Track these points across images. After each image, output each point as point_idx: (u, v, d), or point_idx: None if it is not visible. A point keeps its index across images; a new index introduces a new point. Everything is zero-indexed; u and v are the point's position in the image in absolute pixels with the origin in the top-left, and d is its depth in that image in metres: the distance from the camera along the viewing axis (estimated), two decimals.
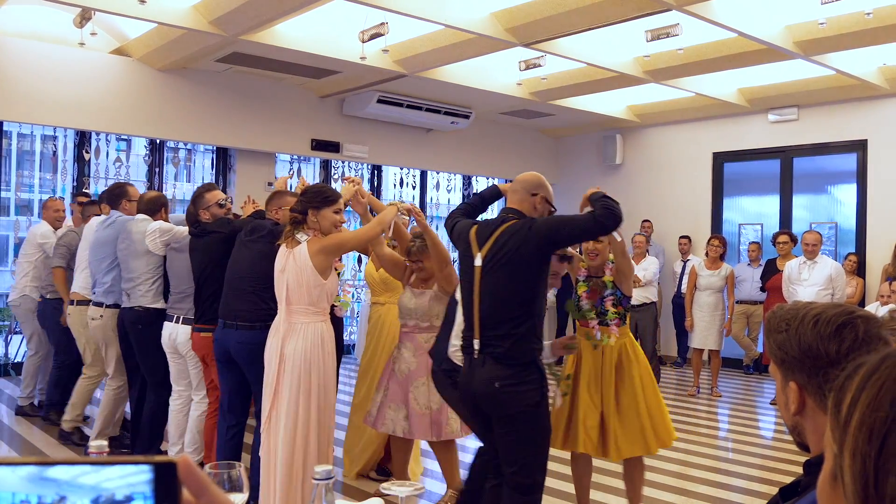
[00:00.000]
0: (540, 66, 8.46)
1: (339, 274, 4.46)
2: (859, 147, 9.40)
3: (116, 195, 5.72)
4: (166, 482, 0.66)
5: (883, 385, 0.87)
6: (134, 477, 0.66)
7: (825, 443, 1.00)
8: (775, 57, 7.85)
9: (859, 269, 8.95)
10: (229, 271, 4.50)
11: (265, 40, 7.61)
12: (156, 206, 5.38)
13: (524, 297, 3.30)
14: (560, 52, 7.95)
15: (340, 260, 5.77)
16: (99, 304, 5.57)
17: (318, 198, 3.90)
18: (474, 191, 12.36)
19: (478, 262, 3.37)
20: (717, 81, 9.47)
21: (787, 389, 1.58)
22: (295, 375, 3.81)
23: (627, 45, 8.15)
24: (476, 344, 3.33)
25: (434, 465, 5.18)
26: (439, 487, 4.96)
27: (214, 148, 9.76)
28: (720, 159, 10.75)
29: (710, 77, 9.18)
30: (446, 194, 12.12)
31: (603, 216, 3.32)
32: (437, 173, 11.92)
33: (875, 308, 6.40)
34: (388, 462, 5.22)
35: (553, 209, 3.53)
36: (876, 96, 9.10)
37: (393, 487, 1.79)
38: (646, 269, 9.09)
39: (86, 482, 0.65)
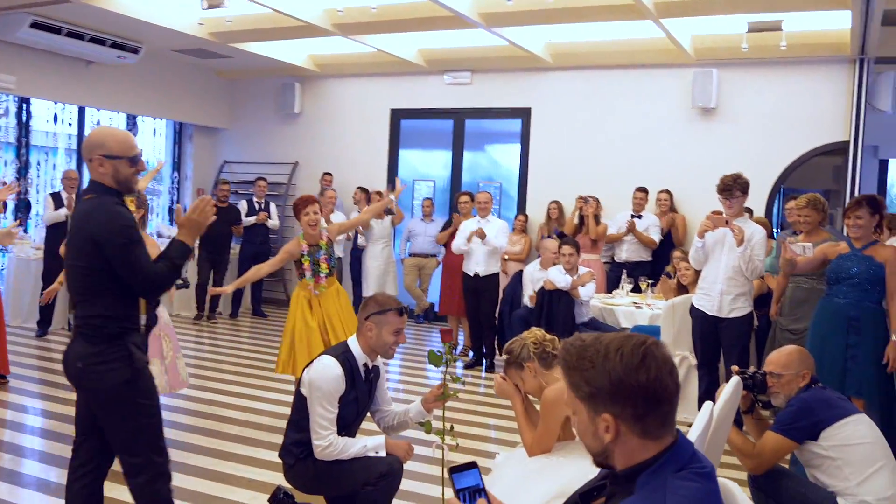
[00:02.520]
0: (224, 6, 7.95)
1: None
2: (524, 113, 10.19)
3: None
4: None
5: None
6: None
7: None
8: (459, 24, 8.17)
9: (526, 228, 9.76)
10: None
11: None
12: None
13: (100, 273, 3.02)
14: None
15: None
16: None
17: None
18: (140, 132, 11.42)
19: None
20: (399, 41, 9.65)
21: (599, 420, 1.67)
22: None
23: None
24: (71, 318, 3.12)
25: None
26: None
27: None
28: (398, 115, 11.03)
29: (393, 36, 9.33)
30: None
31: (154, 281, 3.05)
32: (98, 110, 10.78)
33: (560, 271, 6.99)
34: None
35: (126, 158, 3.09)
36: (541, 68, 9.90)
37: None
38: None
39: None
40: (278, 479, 4.53)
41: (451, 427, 3.86)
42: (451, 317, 8.80)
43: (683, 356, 6.23)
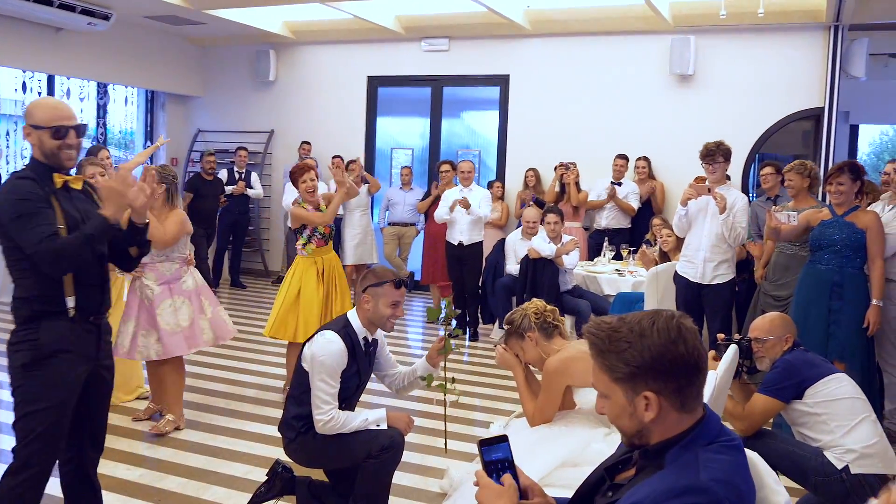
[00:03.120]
0: None
1: None
2: (502, 81, 10.15)
3: None
4: None
5: None
6: None
7: None
8: None
9: (503, 196, 9.77)
10: None
11: None
12: None
13: (11, 251, 2.93)
14: None
15: None
16: None
17: None
18: (111, 101, 11.21)
19: None
20: (375, 7, 9.53)
21: (638, 399, 1.69)
22: None
23: None
24: None
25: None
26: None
27: None
28: (374, 83, 10.93)
29: (369, 2, 9.21)
30: (78, 103, 10.82)
31: (51, 255, 2.80)
32: (69, 79, 10.56)
33: (544, 240, 7.01)
34: None
35: (48, 129, 2.90)
36: (519, 35, 9.84)
37: None
38: None
39: None
40: (271, 451, 4.56)
41: (453, 379, 3.91)
42: (433, 286, 8.82)
43: None
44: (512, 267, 7.50)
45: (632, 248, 7.86)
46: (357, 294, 3.58)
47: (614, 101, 9.52)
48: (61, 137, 2.91)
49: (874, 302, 4.82)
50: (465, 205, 7.57)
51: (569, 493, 2.05)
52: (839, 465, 3.33)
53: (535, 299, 3.55)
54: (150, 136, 11.89)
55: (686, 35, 9.01)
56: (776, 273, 5.68)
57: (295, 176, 5.76)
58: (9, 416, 5.10)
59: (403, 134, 11.23)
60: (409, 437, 3.69)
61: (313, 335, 3.56)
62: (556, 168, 8.95)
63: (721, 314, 5.76)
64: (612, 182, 8.82)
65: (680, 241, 6.15)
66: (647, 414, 1.69)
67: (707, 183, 5.65)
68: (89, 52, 10.19)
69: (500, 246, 8.00)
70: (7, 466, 2.95)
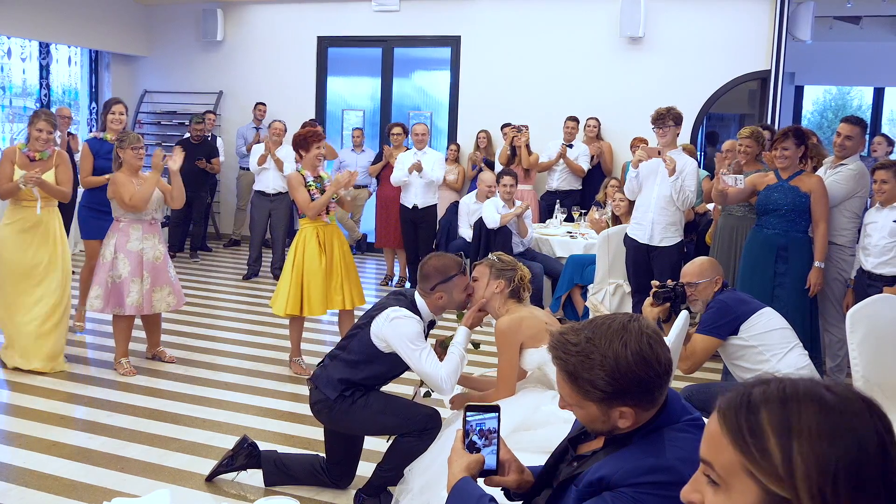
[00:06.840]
0: None
1: None
2: (454, 42, 10.12)
3: None
4: None
5: (811, 437, 1.03)
6: None
7: (730, 475, 1.09)
8: None
9: (458, 158, 9.79)
10: None
11: None
12: None
13: None
14: None
15: None
16: None
17: None
18: (54, 61, 10.91)
19: None
20: None
21: (613, 412, 1.71)
22: None
23: None
24: None
25: None
26: None
27: None
28: (325, 44, 10.81)
29: None
30: (20, 63, 10.50)
31: None
32: (9, 38, 10.24)
33: (494, 206, 7.06)
34: None
35: None
36: None
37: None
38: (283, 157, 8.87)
39: None
40: (233, 417, 4.60)
41: (427, 393, 3.87)
42: (386, 249, 8.86)
43: (618, 284, 6.46)
44: (465, 231, 7.56)
45: (583, 210, 7.98)
46: (424, 292, 3.45)
47: (565, 63, 9.57)
48: None
49: (816, 264, 4.99)
50: (418, 168, 7.61)
51: (526, 456, 2.13)
52: None
53: (525, 268, 3.57)
54: (94, 96, 11.60)
55: None
56: (723, 235, 5.82)
57: (309, 141, 5.37)
58: None
59: (354, 95, 11.14)
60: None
61: (377, 313, 3.45)
62: (502, 128, 8.93)
63: (669, 275, 5.90)
64: (563, 143, 8.90)
65: (631, 205, 6.26)
66: (623, 421, 1.72)
67: (657, 146, 5.75)
68: (30, 11, 9.88)
69: (453, 208, 8.06)
70: None
